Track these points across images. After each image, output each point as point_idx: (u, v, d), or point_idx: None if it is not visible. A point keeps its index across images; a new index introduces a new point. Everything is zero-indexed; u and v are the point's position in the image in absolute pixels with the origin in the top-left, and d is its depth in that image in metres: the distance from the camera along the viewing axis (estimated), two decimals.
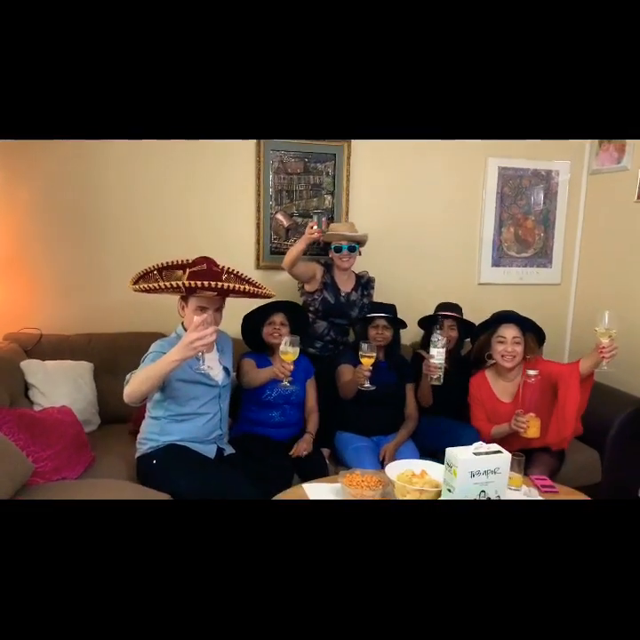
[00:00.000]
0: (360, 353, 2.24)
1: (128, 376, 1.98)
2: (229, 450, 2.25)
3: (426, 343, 2.77)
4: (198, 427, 2.12)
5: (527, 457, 2.39)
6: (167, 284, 1.96)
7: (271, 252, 3.07)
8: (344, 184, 3.09)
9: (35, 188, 2.78)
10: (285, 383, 2.15)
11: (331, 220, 3.04)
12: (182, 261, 2.14)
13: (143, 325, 2.85)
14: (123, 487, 1.99)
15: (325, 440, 2.60)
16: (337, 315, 2.82)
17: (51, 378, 2.46)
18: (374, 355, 2.24)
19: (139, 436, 2.15)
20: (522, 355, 2.42)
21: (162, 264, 2.14)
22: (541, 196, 3.38)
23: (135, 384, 1.88)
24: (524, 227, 3.39)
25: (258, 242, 3.05)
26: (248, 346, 2.57)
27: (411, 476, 1.85)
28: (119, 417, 2.64)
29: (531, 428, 2.21)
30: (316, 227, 2.52)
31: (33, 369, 2.44)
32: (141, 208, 2.90)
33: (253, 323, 2.53)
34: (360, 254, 2.92)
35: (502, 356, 2.41)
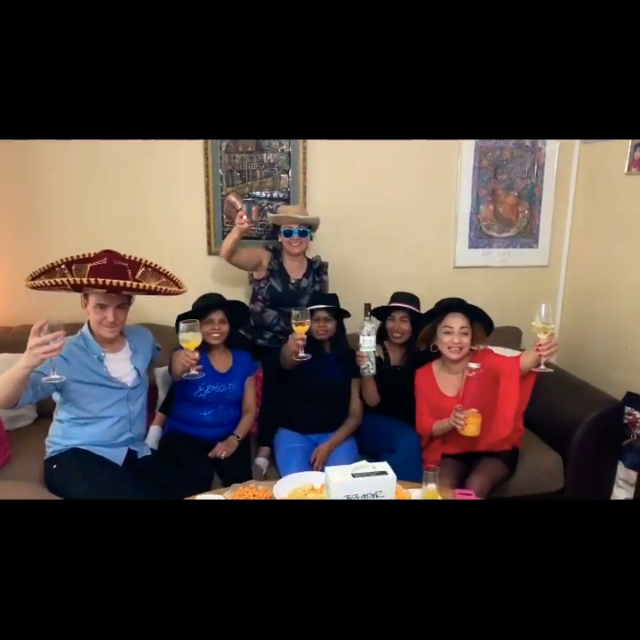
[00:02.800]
0: (292, 320, 2.07)
1: None
2: (144, 452, 2.15)
3: (381, 336, 2.57)
4: (102, 430, 2.01)
5: (471, 462, 2.20)
6: (51, 281, 1.84)
7: (224, 236, 2.89)
8: (300, 162, 2.87)
9: None
10: (194, 372, 2.00)
11: (262, 207, 2.90)
12: (86, 255, 2.02)
13: None
14: (19, 490, 1.93)
15: (268, 438, 2.46)
16: (286, 303, 2.64)
17: None
18: (308, 322, 2.08)
19: (46, 438, 2.07)
20: (469, 346, 2.20)
21: (68, 258, 2.03)
22: (525, 169, 3.06)
23: None
24: (505, 203, 3.09)
25: (209, 226, 2.90)
26: None
27: (308, 491, 1.70)
28: None
29: (469, 425, 2.01)
30: (245, 216, 2.36)
31: None
32: (84, 195, 2.79)
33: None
34: (312, 239, 2.73)
35: (448, 347, 2.20)
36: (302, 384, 2.41)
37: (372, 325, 2.14)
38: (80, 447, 1.99)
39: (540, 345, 1.88)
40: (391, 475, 1.47)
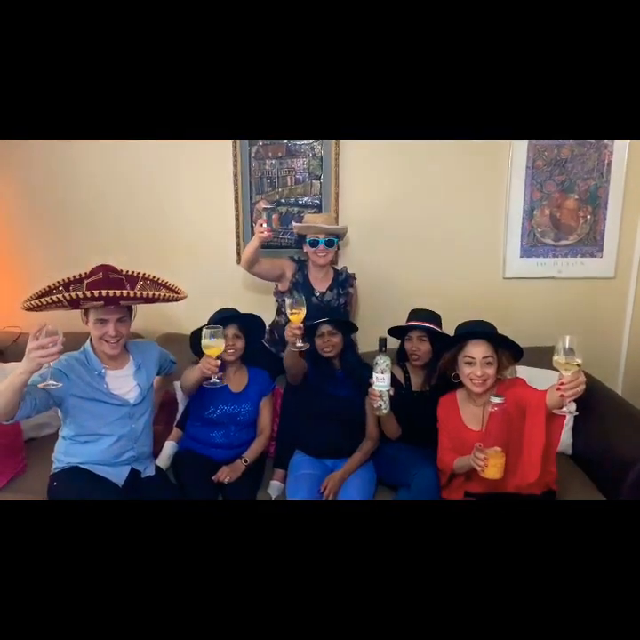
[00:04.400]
0: (287, 310, 1.99)
1: None
2: (148, 471, 2.08)
3: (400, 356, 2.36)
4: (102, 449, 1.96)
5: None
6: (48, 299, 1.81)
7: None
8: (332, 167, 2.71)
9: (17, 186, 2.81)
10: (215, 380, 1.95)
11: (282, 214, 2.78)
12: (82, 275, 1.99)
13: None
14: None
15: (285, 459, 2.33)
16: (308, 317, 2.48)
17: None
18: (303, 309, 1.98)
19: (53, 453, 2.06)
20: (494, 377, 1.95)
21: (65, 280, 1.99)
22: (588, 168, 2.71)
23: None
24: (564, 208, 2.75)
25: (237, 234, 2.81)
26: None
27: None
28: None
29: (490, 466, 1.76)
30: (265, 225, 2.24)
31: None
32: (112, 204, 2.81)
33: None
34: (338, 248, 2.58)
35: (471, 379, 1.95)
36: (310, 404, 2.27)
37: (386, 363, 1.93)
38: (81, 466, 1.95)
39: (562, 383, 1.59)
40: None
